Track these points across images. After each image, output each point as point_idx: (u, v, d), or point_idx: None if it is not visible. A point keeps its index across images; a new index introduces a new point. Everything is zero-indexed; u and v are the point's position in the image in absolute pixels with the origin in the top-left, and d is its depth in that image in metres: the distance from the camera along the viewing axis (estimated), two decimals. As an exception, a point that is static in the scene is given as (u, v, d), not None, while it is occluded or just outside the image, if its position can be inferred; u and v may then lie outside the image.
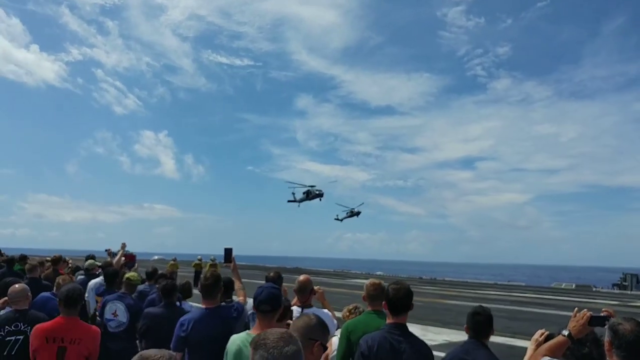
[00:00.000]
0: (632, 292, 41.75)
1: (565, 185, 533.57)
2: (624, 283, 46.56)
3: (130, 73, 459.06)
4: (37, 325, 4.29)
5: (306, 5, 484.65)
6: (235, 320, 4.48)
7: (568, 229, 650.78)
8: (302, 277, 5.00)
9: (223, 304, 5.09)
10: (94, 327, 4.63)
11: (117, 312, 5.99)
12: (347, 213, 65.51)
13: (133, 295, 6.52)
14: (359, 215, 65.40)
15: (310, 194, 63.47)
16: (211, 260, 28.52)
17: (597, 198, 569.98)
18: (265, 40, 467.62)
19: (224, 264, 5.31)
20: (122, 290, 6.50)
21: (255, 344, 1.86)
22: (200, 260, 30.72)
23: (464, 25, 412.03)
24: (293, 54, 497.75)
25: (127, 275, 6.63)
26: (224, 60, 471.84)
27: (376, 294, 4.08)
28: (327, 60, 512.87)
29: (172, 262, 29.80)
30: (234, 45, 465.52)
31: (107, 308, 6.03)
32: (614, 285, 49.21)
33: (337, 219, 66.96)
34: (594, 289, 45.81)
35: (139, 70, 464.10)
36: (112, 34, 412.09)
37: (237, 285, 5.17)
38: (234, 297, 5.71)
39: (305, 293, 4.86)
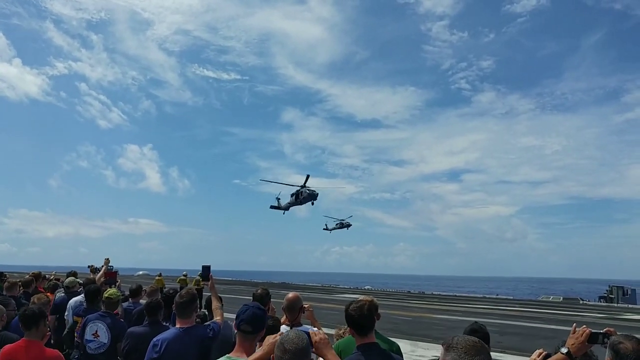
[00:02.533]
0: (619, 305, 42.00)
1: (550, 197, 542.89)
2: (610, 295, 46.79)
3: (115, 87, 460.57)
4: (4, 347, 4.17)
5: (292, 20, 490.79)
6: (211, 341, 4.26)
7: (553, 241, 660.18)
8: (290, 295, 4.73)
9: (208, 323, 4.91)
10: (54, 352, 4.40)
11: (98, 332, 5.70)
12: (336, 224, 62.68)
13: (117, 314, 6.27)
14: (349, 228, 62.33)
15: (301, 196, 52.72)
16: (199, 276, 28.11)
17: (581, 210, 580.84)
18: (251, 55, 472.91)
19: (202, 282, 5.12)
20: (103, 309, 6.12)
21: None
22: (185, 275, 30.32)
23: (448, 40, 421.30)
24: (279, 68, 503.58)
25: (105, 293, 6.24)
26: (210, 74, 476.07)
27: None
28: (313, 75, 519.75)
29: (157, 277, 29.38)
30: (221, 59, 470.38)
31: (88, 328, 5.74)
32: (600, 297, 49.47)
33: (326, 229, 63.83)
34: (581, 302, 46.02)
35: (124, 84, 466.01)
36: (96, 48, 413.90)
37: (214, 304, 4.95)
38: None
39: (294, 311, 4.62)
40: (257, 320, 3.16)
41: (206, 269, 5.09)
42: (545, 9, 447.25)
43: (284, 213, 58.74)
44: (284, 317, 4.71)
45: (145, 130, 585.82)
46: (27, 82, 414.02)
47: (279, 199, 58.42)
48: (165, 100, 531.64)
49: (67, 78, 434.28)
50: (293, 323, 4.61)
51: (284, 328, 4.45)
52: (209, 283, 5.00)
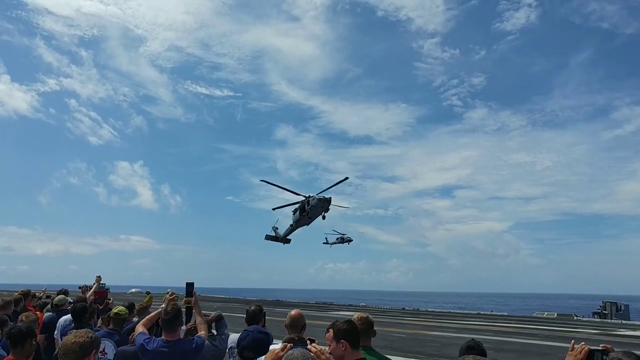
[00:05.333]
0: (613, 321, 41.92)
1: (542, 213, 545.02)
2: (604, 311, 46.74)
3: (106, 103, 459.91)
4: None
5: (284, 37, 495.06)
6: (195, 354, 4.50)
7: (546, 257, 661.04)
8: (293, 312, 4.66)
9: (213, 337, 5.13)
10: None
11: (105, 349, 5.73)
12: (337, 239, 61.02)
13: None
14: (350, 244, 60.80)
15: (308, 206, 39.86)
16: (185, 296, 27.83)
17: (573, 225, 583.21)
18: (244, 72, 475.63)
19: (185, 298, 5.22)
20: (111, 326, 6.25)
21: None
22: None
23: (439, 57, 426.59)
24: (272, 85, 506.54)
25: (114, 309, 6.39)
26: (203, 90, 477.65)
27: (365, 329, 3.87)
28: (306, 91, 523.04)
29: (147, 295, 29.13)
30: (214, 76, 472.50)
31: None
32: (594, 313, 49.40)
33: (326, 243, 62.10)
34: (575, 318, 45.88)
35: (115, 101, 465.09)
36: (86, 64, 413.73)
37: (197, 319, 5.13)
38: (214, 332, 5.50)
39: (297, 329, 4.49)
40: (259, 345, 3.14)
41: (190, 286, 5.27)
42: (534, 27, 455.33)
43: (283, 244, 49.94)
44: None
45: (137, 147, 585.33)
46: (16, 98, 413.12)
47: (277, 228, 50.10)
48: (157, 116, 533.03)
49: (57, 94, 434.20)
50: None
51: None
52: (192, 299, 5.18)
